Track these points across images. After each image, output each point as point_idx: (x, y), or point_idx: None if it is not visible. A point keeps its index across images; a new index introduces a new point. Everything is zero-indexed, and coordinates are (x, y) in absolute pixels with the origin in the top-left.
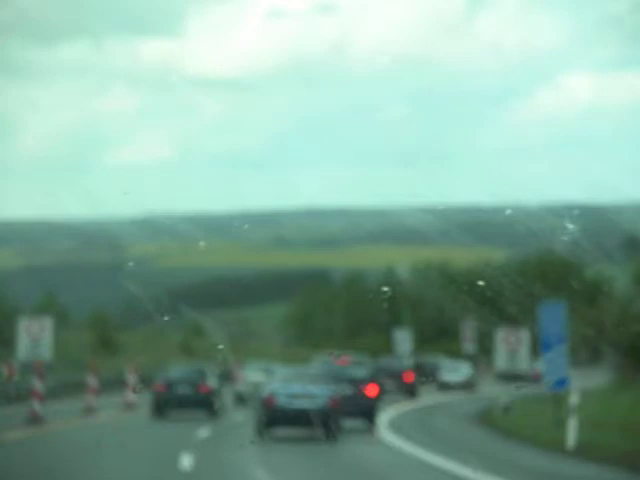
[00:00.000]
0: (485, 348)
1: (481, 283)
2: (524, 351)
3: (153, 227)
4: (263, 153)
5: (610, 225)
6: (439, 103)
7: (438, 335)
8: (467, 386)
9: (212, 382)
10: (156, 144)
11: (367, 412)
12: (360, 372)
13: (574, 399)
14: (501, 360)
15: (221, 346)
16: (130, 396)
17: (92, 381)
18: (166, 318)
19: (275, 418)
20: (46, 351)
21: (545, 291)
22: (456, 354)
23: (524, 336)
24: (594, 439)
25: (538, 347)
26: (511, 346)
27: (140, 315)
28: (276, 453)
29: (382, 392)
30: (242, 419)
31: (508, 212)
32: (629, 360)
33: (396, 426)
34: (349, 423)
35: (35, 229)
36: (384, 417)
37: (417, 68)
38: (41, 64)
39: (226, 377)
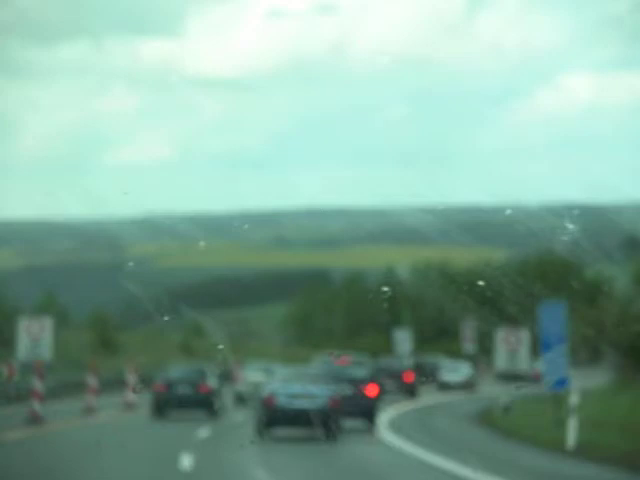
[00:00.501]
0: (485, 348)
1: (481, 283)
2: (524, 351)
3: (153, 227)
4: (263, 153)
5: (610, 225)
6: (439, 103)
7: (438, 335)
8: (467, 386)
9: (212, 382)
10: (156, 144)
11: (367, 412)
12: (360, 372)
13: (574, 399)
14: (501, 360)
15: (221, 346)
16: (130, 396)
17: (92, 381)
18: (166, 318)
19: (275, 418)
20: (46, 351)
21: (545, 291)
22: (456, 354)
23: (524, 336)
24: (594, 439)
25: (538, 347)
26: (511, 346)
27: (140, 315)
28: (276, 453)
29: (382, 392)
30: (242, 419)
31: (508, 212)
32: (629, 360)
33: (396, 426)
34: (349, 423)
35: (35, 229)
36: (384, 417)
37: (417, 68)
38: (41, 64)
39: (226, 377)
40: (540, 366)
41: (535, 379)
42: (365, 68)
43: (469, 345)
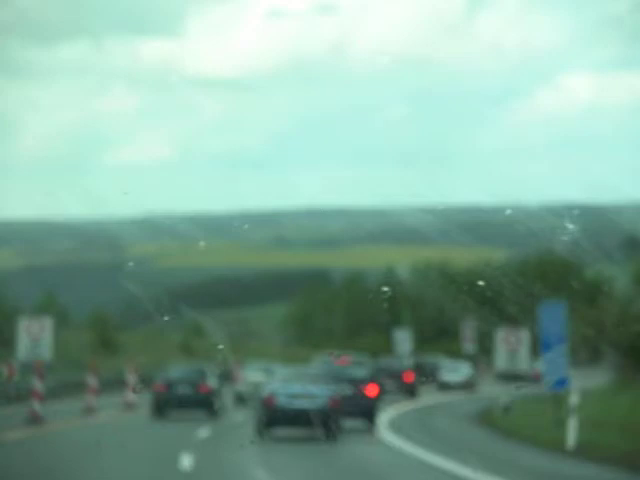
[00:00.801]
0: (485, 348)
1: (481, 283)
2: (524, 351)
3: (153, 227)
4: (263, 153)
5: (610, 225)
6: (439, 103)
7: (438, 335)
8: (467, 386)
9: (212, 382)
10: (156, 144)
11: (367, 412)
12: (360, 372)
13: (574, 399)
14: (501, 360)
15: (221, 346)
16: (130, 396)
17: (92, 381)
18: (166, 318)
19: (275, 418)
20: (46, 351)
21: (545, 291)
22: (456, 354)
23: (524, 336)
24: (594, 439)
25: (538, 347)
26: (511, 346)
27: (140, 315)
28: (276, 453)
29: (382, 392)
30: (242, 419)
31: (508, 212)
32: (629, 360)
33: (396, 426)
34: (349, 423)
35: (35, 229)
36: (384, 417)
37: (417, 68)
38: (41, 64)
39: (226, 377)
40: (540, 366)
41: (535, 379)
42: (365, 68)
43: (469, 345)
